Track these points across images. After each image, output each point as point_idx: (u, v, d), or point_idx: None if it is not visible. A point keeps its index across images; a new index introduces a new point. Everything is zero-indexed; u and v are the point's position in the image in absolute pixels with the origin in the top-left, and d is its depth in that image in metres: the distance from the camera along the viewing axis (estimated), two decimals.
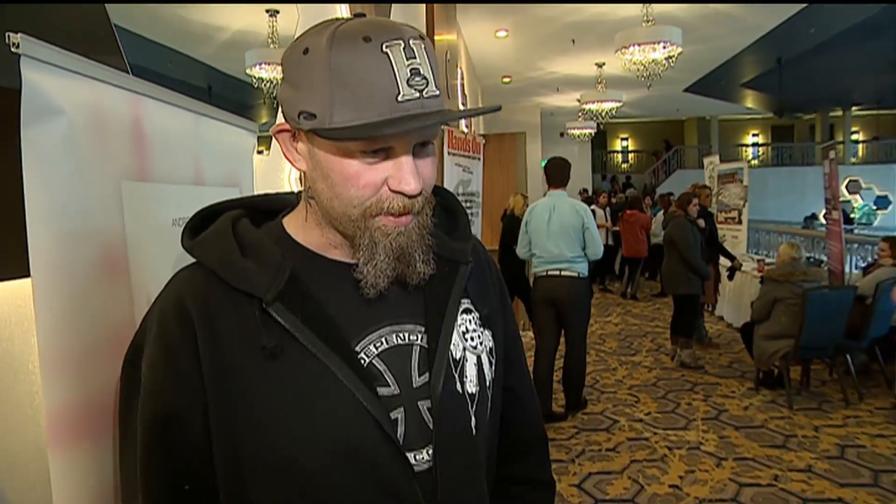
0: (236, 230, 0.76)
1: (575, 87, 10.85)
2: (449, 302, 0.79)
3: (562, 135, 14.13)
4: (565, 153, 4.60)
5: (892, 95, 15.72)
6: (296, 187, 1.84)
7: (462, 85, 6.45)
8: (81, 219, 0.78)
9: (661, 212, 8.64)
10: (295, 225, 0.79)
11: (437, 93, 0.67)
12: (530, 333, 5.07)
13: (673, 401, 4.64)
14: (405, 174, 0.68)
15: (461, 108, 5.86)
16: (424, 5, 4.18)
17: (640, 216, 8.98)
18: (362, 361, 0.72)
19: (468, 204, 4.25)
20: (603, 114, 9.86)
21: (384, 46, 0.64)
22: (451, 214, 0.88)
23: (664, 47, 6.15)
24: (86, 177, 0.79)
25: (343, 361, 0.69)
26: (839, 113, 18.80)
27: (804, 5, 7.01)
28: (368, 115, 0.64)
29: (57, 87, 0.73)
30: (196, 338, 0.69)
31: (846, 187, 16.56)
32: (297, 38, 0.70)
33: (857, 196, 17.25)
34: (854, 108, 18.77)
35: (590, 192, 13.89)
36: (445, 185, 2.29)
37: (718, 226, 6.67)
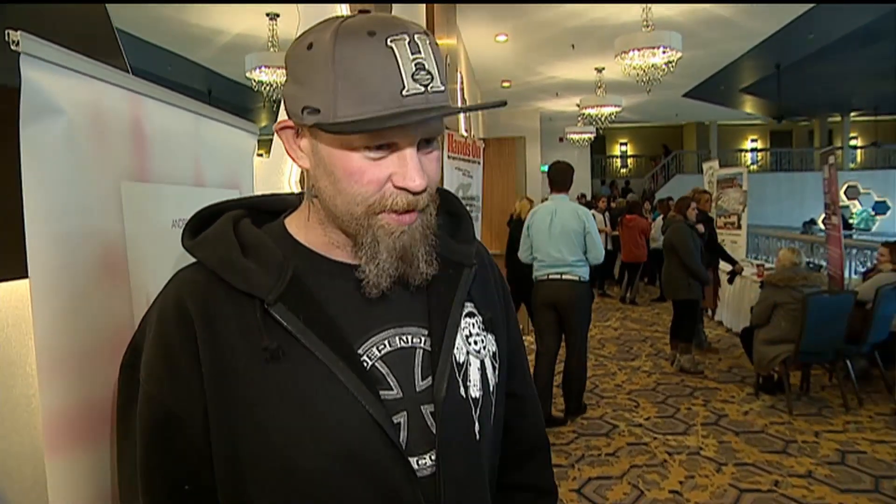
0: (237, 230, 0.75)
1: (574, 91, 10.87)
2: (452, 305, 0.78)
3: (561, 139, 14.15)
4: (564, 158, 4.60)
5: (891, 101, 15.77)
6: (296, 190, 1.84)
7: (462, 89, 6.45)
8: (81, 219, 0.77)
9: (661, 217, 8.64)
10: (297, 225, 0.78)
11: (443, 88, 0.67)
12: (530, 337, 5.06)
13: (673, 406, 4.62)
14: (409, 170, 0.67)
15: (460, 114, 5.85)
16: (424, 6, 4.19)
17: (639, 221, 8.98)
18: (365, 364, 0.71)
19: (468, 208, 4.21)
20: (602, 118, 9.87)
21: (389, 41, 0.64)
22: (454, 217, 0.87)
23: (664, 52, 6.16)
24: (85, 177, 0.78)
25: (345, 364, 0.68)
26: (838, 118, 18.85)
27: (806, 7, 7.01)
28: (373, 109, 0.64)
29: (57, 85, 0.73)
30: (196, 338, 0.68)
31: (845, 193, 16.59)
32: (301, 35, 0.69)
33: (856, 201, 17.29)
34: (852, 113, 18.83)
35: (588, 197, 13.89)
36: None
37: (718, 231, 6.67)
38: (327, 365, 0.68)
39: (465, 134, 4.71)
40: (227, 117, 1.23)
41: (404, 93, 0.64)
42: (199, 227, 0.76)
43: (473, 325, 0.81)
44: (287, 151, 0.74)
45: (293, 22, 2.12)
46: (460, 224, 0.86)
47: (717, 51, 8.73)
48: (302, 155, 0.73)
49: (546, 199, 4.65)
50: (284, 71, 0.71)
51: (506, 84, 10.51)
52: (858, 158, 19.76)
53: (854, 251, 7.48)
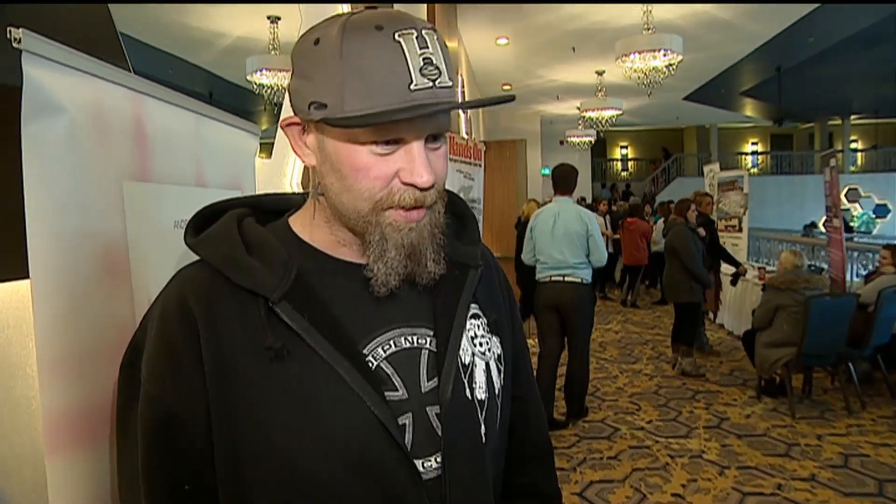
0: (241, 228, 0.74)
1: (575, 94, 10.89)
2: (458, 305, 0.77)
3: (562, 142, 14.16)
4: (565, 161, 4.59)
5: (891, 104, 15.78)
6: (298, 191, 1.83)
7: (462, 93, 6.46)
8: (82, 219, 0.76)
9: (662, 220, 8.63)
10: (302, 223, 0.77)
11: (450, 84, 0.66)
12: (532, 340, 5.05)
13: (674, 409, 4.61)
14: (417, 165, 0.66)
15: (461, 116, 5.86)
16: (426, 7, 4.19)
17: (640, 224, 8.98)
18: (370, 364, 0.70)
19: None
20: (603, 122, 9.88)
21: (396, 35, 0.63)
22: (459, 218, 0.86)
23: (664, 55, 6.16)
24: (87, 176, 0.77)
25: (350, 364, 0.67)
26: (838, 121, 18.85)
27: (807, 10, 7.02)
28: (380, 103, 0.63)
29: (59, 84, 0.72)
30: (199, 337, 0.67)
31: (845, 196, 16.60)
32: (307, 31, 0.69)
33: (857, 204, 17.29)
34: (853, 116, 18.83)
35: (589, 201, 13.89)
36: None
37: (719, 234, 6.66)
38: (332, 365, 0.67)
39: (465, 136, 4.71)
40: (229, 118, 1.22)
41: (412, 87, 0.63)
42: (201, 225, 0.76)
43: (479, 326, 0.80)
44: (293, 148, 0.73)
45: (294, 25, 2.12)
46: (466, 225, 0.86)
47: (717, 54, 8.74)
48: (308, 152, 0.72)
49: (549, 201, 4.65)
50: (290, 68, 0.70)
51: (506, 87, 10.53)
52: (859, 161, 19.76)
53: (855, 254, 7.47)
